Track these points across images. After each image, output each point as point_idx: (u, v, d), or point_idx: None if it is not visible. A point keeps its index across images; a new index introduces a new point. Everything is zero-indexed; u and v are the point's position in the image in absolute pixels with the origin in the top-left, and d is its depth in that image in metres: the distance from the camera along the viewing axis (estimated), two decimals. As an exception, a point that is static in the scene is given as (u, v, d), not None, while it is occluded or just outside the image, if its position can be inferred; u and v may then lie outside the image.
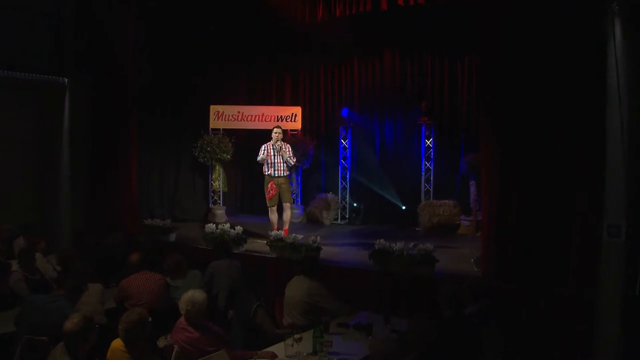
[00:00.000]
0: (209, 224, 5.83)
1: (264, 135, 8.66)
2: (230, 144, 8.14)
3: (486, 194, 4.33)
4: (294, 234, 5.27)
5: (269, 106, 8.51)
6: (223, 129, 8.29)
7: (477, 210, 6.62)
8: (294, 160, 6.07)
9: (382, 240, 4.67)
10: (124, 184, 6.53)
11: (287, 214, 5.96)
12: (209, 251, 5.43)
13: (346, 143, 8.55)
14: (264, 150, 5.94)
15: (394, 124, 8.12)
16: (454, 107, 7.44)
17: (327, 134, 8.58)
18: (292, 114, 8.33)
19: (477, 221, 6.44)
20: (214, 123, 8.28)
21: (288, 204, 5.97)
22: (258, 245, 5.74)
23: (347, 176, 8.53)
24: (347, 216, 8.33)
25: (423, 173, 7.73)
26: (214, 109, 8.29)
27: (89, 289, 3.58)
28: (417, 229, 7.35)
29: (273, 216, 5.96)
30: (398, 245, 4.55)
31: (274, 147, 5.89)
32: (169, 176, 8.27)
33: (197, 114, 8.14)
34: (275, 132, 5.91)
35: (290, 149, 6.02)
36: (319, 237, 5.15)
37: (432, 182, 7.72)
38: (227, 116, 8.29)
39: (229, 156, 8.16)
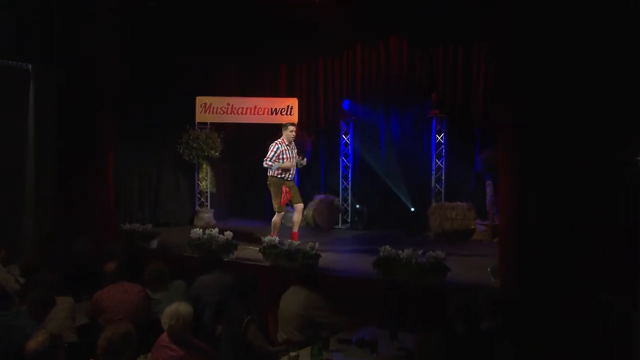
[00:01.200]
0: (195, 229, 5.83)
1: (256, 130, 8.78)
2: (218, 140, 8.16)
3: (504, 195, 4.34)
4: (289, 240, 5.28)
5: (262, 98, 8.52)
6: (210, 123, 8.31)
7: (494, 214, 6.67)
8: (304, 163, 6.07)
9: (387, 247, 4.71)
10: (99, 184, 6.49)
11: (299, 216, 6.00)
12: (195, 259, 5.44)
13: (348, 138, 8.57)
14: (278, 150, 5.82)
15: (401, 118, 8.17)
16: (469, 98, 7.45)
17: (326, 128, 8.59)
18: (288, 106, 8.36)
19: (494, 226, 6.48)
20: (200, 116, 8.28)
21: (302, 205, 6.00)
22: (250, 252, 5.78)
23: (349, 175, 8.56)
24: (348, 220, 8.35)
25: (433, 172, 7.76)
26: (200, 100, 8.28)
27: (57, 303, 3.52)
28: (426, 234, 7.40)
29: (278, 220, 5.91)
30: (405, 253, 4.59)
31: (288, 146, 5.85)
32: (150, 175, 8.26)
33: (181, 107, 8.14)
34: (291, 131, 5.89)
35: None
36: (317, 244, 5.18)
37: (443, 182, 7.76)
38: (215, 109, 8.29)
39: (217, 153, 8.18)
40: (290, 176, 5.89)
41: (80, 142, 6.40)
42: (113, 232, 6.38)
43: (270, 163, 5.82)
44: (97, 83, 6.44)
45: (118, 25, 6.55)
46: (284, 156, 5.84)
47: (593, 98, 3.86)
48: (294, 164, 5.92)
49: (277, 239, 5.36)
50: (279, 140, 5.92)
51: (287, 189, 5.83)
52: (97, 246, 5.21)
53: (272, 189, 5.90)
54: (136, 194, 8.11)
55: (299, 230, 6.10)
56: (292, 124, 6.01)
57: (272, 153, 5.82)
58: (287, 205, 6.08)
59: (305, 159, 6.05)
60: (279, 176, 5.83)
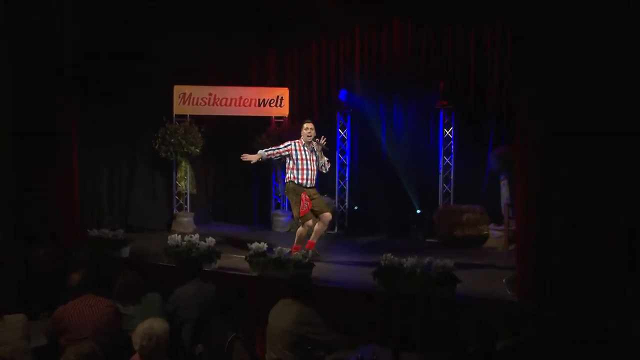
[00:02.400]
0: (172, 235, 5.83)
1: (242, 124, 8.81)
2: (199, 135, 8.15)
3: (522, 196, 4.31)
4: (279, 247, 5.26)
5: (249, 87, 8.51)
6: (190, 116, 8.31)
7: (510, 218, 6.64)
8: (328, 167, 5.88)
9: (389, 255, 4.69)
10: (61, 184, 6.39)
11: (322, 228, 5.81)
12: (172, 269, 5.42)
13: (345, 133, 8.55)
14: (289, 147, 5.73)
15: (404, 110, 8.16)
16: (482, 87, 7.46)
17: (321, 121, 8.45)
18: (278, 97, 8.36)
19: (511, 231, 6.47)
20: (178, 108, 8.27)
21: (329, 216, 5.80)
22: (235, 261, 5.78)
23: (346, 175, 8.55)
24: (345, 224, 8.32)
25: (441, 171, 7.76)
26: (178, 90, 8.26)
27: (6, 322, 3.44)
28: (433, 240, 7.39)
29: (303, 232, 5.75)
30: (409, 262, 4.57)
31: (306, 147, 5.74)
32: (122, 175, 8.24)
33: (157, 97, 8.11)
34: (305, 129, 5.75)
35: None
36: (310, 251, 5.19)
37: (452, 182, 7.76)
38: (195, 99, 8.29)
39: (198, 150, 8.17)
40: (308, 182, 5.74)
41: (41, 139, 6.29)
42: (78, 238, 6.32)
43: (263, 151, 5.78)
44: (58, 71, 6.32)
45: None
46: (298, 156, 5.72)
47: (630, 86, 3.83)
48: (313, 167, 5.74)
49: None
50: (298, 139, 5.82)
51: (308, 197, 5.68)
52: (59, 255, 5.14)
53: (290, 197, 5.82)
54: (105, 195, 8.07)
55: (286, 236, 6.12)
56: (307, 121, 5.84)
57: (281, 146, 5.77)
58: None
59: (329, 162, 5.85)
60: (295, 181, 5.73)
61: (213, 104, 8.31)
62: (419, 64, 7.78)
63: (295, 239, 5.80)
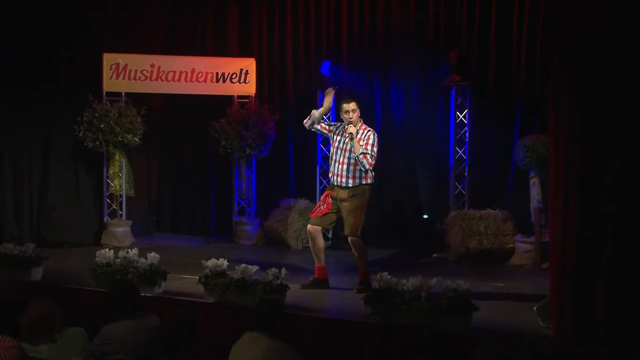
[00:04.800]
0: (102, 250, 5.82)
1: (195, 105, 8.79)
2: (138, 119, 8.11)
3: (558, 198, 4.28)
4: (243, 265, 5.24)
5: (203, 57, 8.49)
6: (126, 94, 8.25)
7: (542, 226, 6.66)
8: (372, 162, 5.67)
9: (385, 275, 4.67)
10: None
11: (353, 253, 5.80)
12: (101, 295, 5.37)
13: (328, 117, 8.51)
14: (331, 127, 5.87)
15: (405, 87, 8.16)
16: (505, 58, 7.48)
17: (297, 103, 8.61)
18: (241, 70, 8.35)
19: (543, 243, 6.47)
20: (110, 83, 8.21)
21: (351, 239, 5.75)
22: (185, 283, 5.81)
23: (331, 171, 8.58)
24: (329, 236, 8.31)
25: (452, 165, 7.77)
26: (110, 59, 8.18)
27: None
28: (443, 255, 7.40)
29: (315, 244, 5.78)
30: (412, 282, 4.53)
31: (342, 131, 5.72)
32: (33, 172, 8.18)
33: (81, 69, 8.03)
34: (347, 111, 5.65)
35: (372, 141, 5.64)
36: (284, 270, 5.13)
37: (467, 179, 7.77)
38: (132, 73, 8.22)
39: (136, 139, 8.14)
40: (336, 178, 5.73)
41: None
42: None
43: (308, 121, 5.87)
44: None
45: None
46: (333, 144, 5.81)
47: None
48: (343, 160, 5.68)
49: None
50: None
51: (329, 199, 5.72)
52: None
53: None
54: (9, 199, 8.00)
55: (253, 250, 6.06)
56: (347, 100, 5.74)
57: (332, 123, 5.87)
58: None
59: (372, 158, 5.64)
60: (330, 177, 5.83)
61: (156, 79, 8.26)
62: (424, 30, 7.79)
63: (314, 255, 5.84)
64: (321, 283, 5.79)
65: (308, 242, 7.95)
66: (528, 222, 7.08)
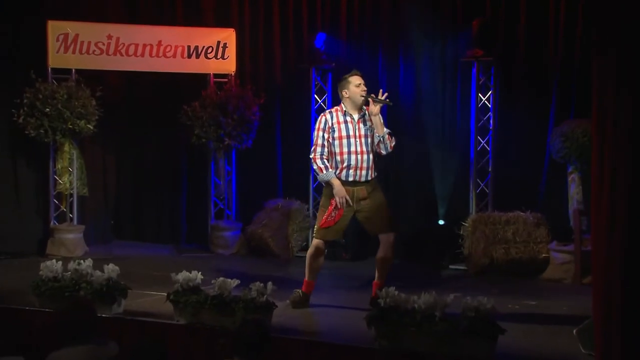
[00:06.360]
0: (48, 262, 5.81)
1: (162, 86, 8.81)
2: (92, 102, 8.11)
3: (604, 198, 4.23)
4: (221, 278, 5.24)
5: (173, 27, 8.57)
6: (77, 72, 8.27)
7: (583, 232, 6.69)
8: (392, 144, 5.71)
9: (392, 290, 4.68)
10: None
11: (386, 253, 5.72)
12: (46, 317, 5.34)
13: (324, 100, 8.59)
14: (326, 126, 5.68)
15: (415, 64, 8.19)
16: (539, 27, 7.51)
17: (287, 82, 8.71)
18: (218, 43, 8.44)
19: (585, 253, 6.50)
20: (57, 58, 8.23)
21: (386, 237, 5.73)
22: (151, 301, 5.85)
23: (327, 163, 8.60)
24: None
25: (473, 159, 7.81)
26: (56, 28, 8.18)
27: None
28: (461, 268, 7.46)
29: (313, 260, 5.78)
30: (424, 300, 4.54)
31: (350, 116, 5.68)
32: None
33: (20, 40, 8.08)
34: (359, 84, 5.68)
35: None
36: (270, 285, 5.13)
37: (490, 175, 7.80)
38: (85, 45, 8.24)
39: (90, 126, 8.16)
40: (353, 174, 5.62)
41: None
42: None
43: (318, 160, 5.65)
44: None
45: None
46: (336, 134, 5.66)
47: None
48: (362, 149, 5.63)
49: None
50: (333, 108, 5.83)
51: (339, 205, 5.57)
52: None
53: (322, 199, 5.86)
54: None
55: (233, 260, 6.00)
56: (356, 72, 5.77)
57: (318, 133, 5.72)
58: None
59: (392, 140, 5.67)
60: (327, 177, 5.70)
61: (115, 54, 8.27)
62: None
63: (306, 270, 5.80)
64: (307, 300, 5.77)
65: (298, 250, 8.20)
66: (566, 227, 7.11)
